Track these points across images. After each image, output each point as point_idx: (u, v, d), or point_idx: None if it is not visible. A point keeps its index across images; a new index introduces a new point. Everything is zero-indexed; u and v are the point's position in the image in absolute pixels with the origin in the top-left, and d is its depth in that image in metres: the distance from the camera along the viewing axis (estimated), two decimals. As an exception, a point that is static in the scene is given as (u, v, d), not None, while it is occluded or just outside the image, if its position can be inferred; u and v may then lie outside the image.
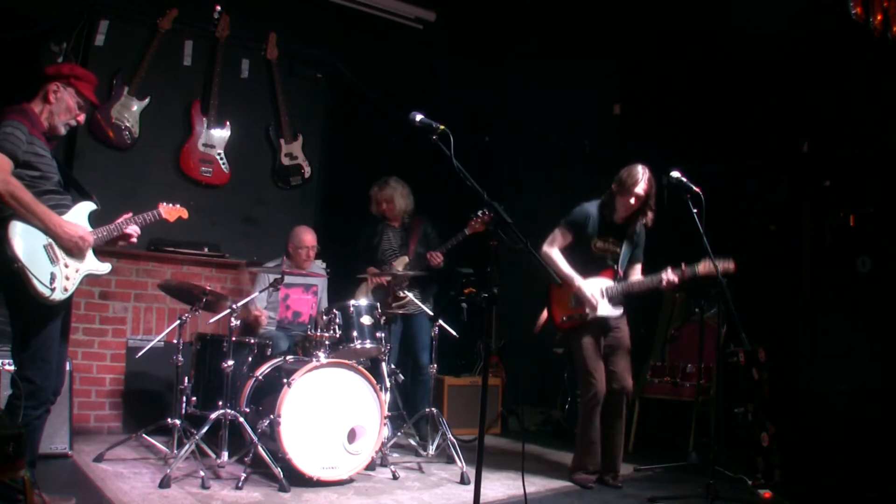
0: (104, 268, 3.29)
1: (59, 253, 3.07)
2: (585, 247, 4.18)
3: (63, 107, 3.21)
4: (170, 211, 3.67)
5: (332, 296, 5.28)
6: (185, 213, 3.75)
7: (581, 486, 4.12)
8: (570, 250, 4.23)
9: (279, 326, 5.03)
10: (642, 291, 4.15)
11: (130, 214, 3.44)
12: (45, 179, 3.09)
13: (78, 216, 3.22)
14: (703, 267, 3.89)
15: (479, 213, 4.68)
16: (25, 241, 2.96)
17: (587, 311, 4.11)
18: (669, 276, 3.97)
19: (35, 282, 2.94)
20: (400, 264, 5.14)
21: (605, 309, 4.12)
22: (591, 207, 4.21)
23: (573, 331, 4.21)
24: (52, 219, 3.03)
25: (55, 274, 3.02)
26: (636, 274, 4.26)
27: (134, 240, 3.45)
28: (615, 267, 4.17)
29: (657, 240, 4.41)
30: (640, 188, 4.04)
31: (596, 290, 4.12)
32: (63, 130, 3.27)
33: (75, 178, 3.38)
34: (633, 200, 4.07)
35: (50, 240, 3.04)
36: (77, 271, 3.14)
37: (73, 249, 3.11)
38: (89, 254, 3.22)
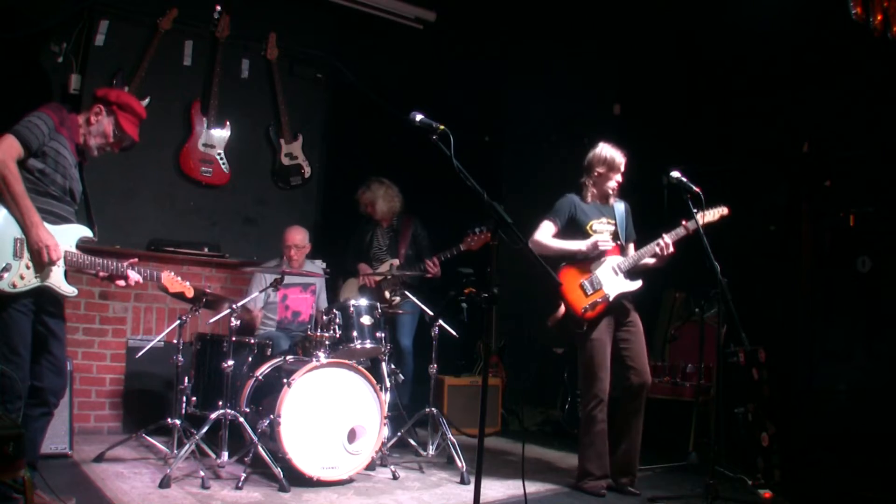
0: (68, 290, 3.14)
1: (27, 252, 2.99)
2: (582, 233, 4.11)
3: (99, 131, 3.18)
4: (172, 282, 3.51)
5: (331, 296, 5.28)
6: (189, 292, 3.58)
7: (594, 495, 3.92)
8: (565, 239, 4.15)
9: (279, 327, 5.03)
10: (649, 257, 4.07)
11: (136, 261, 3.35)
12: (50, 181, 3.06)
13: (66, 234, 3.13)
14: (693, 224, 3.88)
15: (477, 230, 4.63)
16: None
17: (606, 291, 4.00)
18: (665, 239, 3.97)
19: None
20: (387, 267, 5.15)
21: (624, 284, 4.04)
22: (573, 196, 4.19)
23: (588, 328, 4.04)
24: (31, 217, 2.96)
25: (10, 265, 2.93)
26: (631, 251, 4.21)
27: (122, 283, 3.29)
28: (619, 242, 4.13)
29: (656, 239, 4.39)
30: (624, 162, 4.13)
31: (609, 269, 4.05)
32: (96, 153, 3.24)
33: (87, 200, 3.30)
34: (620, 177, 4.14)
35: (24, 236, 2.98)
36: (37, 277, 3.03)
37: (36, 255, 3.00)
38: (57, 270, 3.08)
